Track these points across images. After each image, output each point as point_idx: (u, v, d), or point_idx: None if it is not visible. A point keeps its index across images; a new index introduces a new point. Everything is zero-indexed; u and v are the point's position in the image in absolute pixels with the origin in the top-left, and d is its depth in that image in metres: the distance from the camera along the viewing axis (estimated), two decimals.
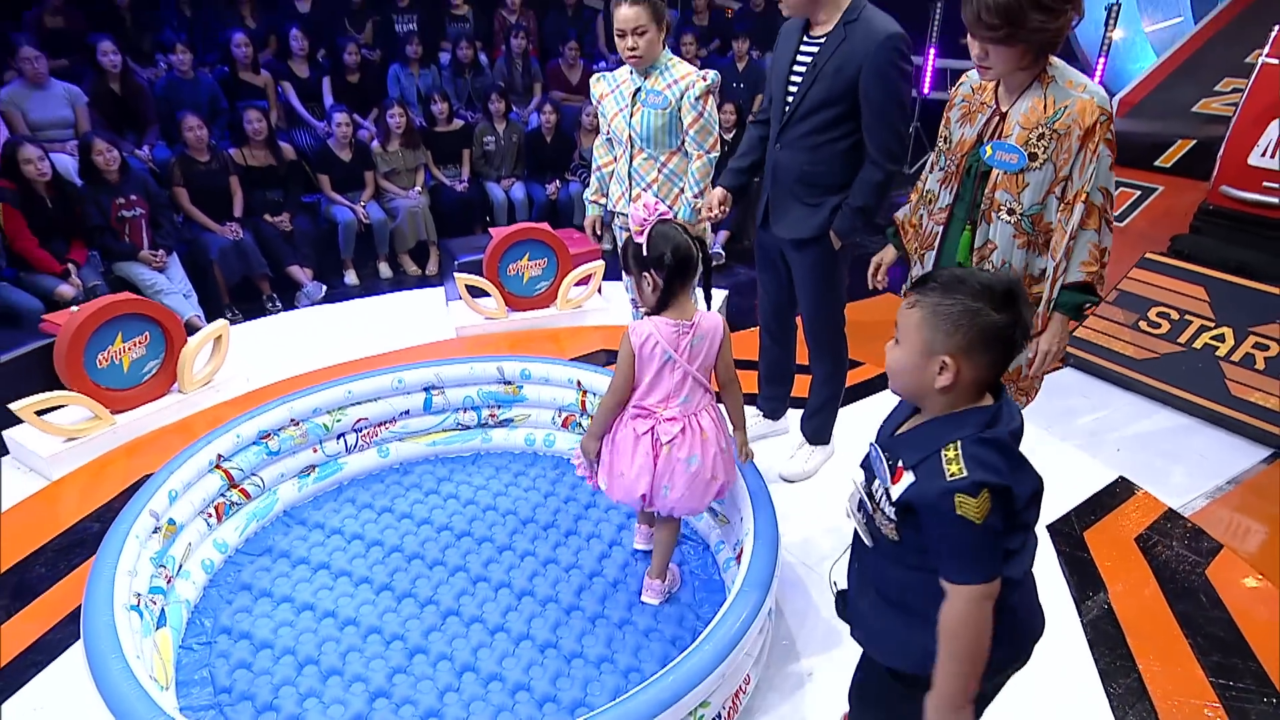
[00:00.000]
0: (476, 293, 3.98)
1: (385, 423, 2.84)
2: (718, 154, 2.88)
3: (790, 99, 2.41)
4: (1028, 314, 1.23)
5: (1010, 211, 1.99)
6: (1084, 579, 2.46)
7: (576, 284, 4.12)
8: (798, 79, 2.39)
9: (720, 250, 5.83)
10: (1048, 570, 2.50)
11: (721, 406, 2.14)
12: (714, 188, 2.69)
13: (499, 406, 2.97)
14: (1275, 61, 4.08)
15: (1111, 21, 7.04)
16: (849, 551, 1.49)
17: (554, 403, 2.94)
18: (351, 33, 5.98)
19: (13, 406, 2.83)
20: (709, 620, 1.88)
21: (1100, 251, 1.96)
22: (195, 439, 2.45)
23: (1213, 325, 3.88)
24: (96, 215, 4.32)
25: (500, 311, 3.99)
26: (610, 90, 2.90)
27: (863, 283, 2.55)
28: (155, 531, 2.15)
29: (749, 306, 4.58)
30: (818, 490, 2.90)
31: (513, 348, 3.78)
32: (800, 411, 3.04)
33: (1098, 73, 7.06)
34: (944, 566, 1.24)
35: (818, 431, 2.98)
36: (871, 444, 1.38)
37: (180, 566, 2.25)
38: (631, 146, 2.88)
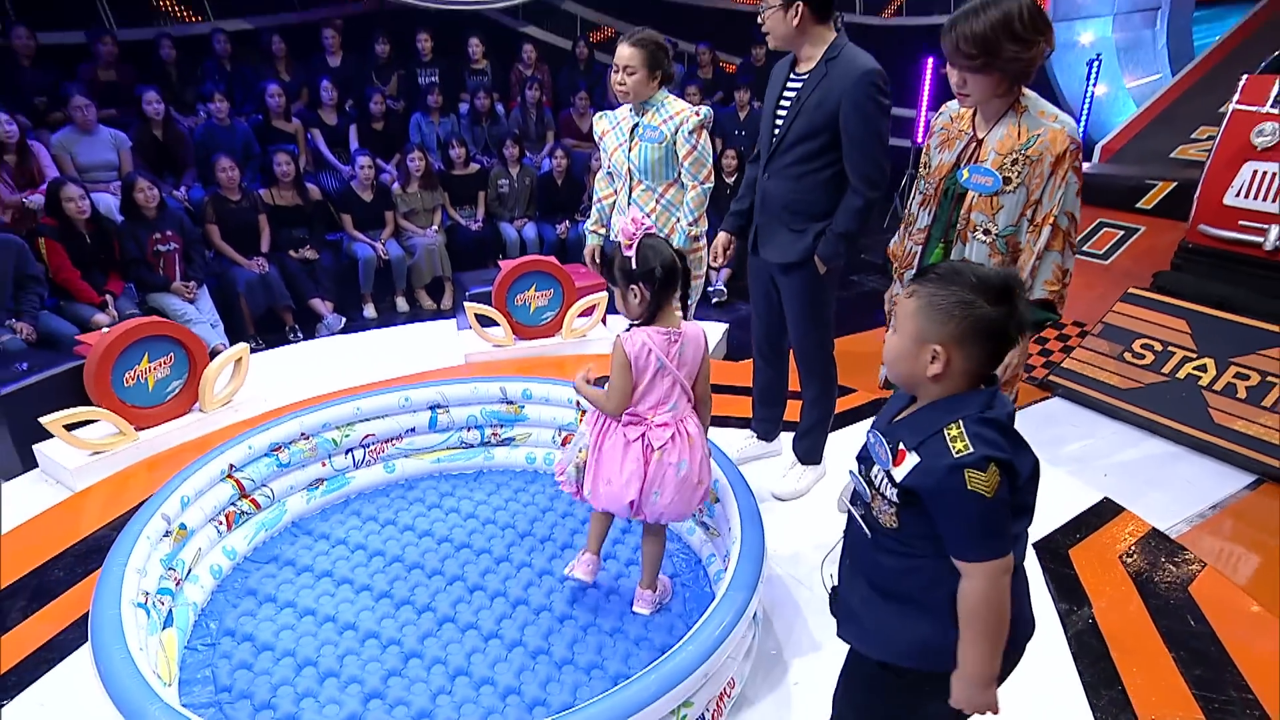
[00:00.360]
0: (486, 321, 4.02)
1: (392, 439, 2.85)
2: (711, 184, 2.93)
3: (777, 131, 2.47)
4: (1025, 310, 1.23)
5: (986, 232, 2.02)
6: (1069, 594, 2.41)
7: (581, 314, 4.16)
8: (783, 112, 2.45)
9: (722, 288, 5.88)
10: (1033, 586, 2.42)
11: None
12: (718, 232, 2.72)
13: (501, 425, 2.97)
14: (1244, 108, 4.14)
15: (1094, 76, 7.17)
16: (840, 546, 1.47)
17: (554, 422, 2.95)
18: (378, 84, 6.17)
19: (43, 420, 2.87)
20: None
21: (1063, 272, 1.98)
22: None
23: (1195, 356, 3.86)
24: (134, 249, 4.44)
25: (508, 339, 4.03)
26: (611, 127, 2.98)
27: (857, 317, 2.57)
28: (166, 534, 2.15)
29: (750, 339, 4.61)
30: (809, 508, 2.87)
31: (518, 373, 3.79)
32: (793, 434, 3.02)
33: (1082, 124, 7.17)
34: (958, 547, 1.22)
35: (809, 452, 2.96)
36: (870, 431, 1.35)
37: (190, 570, 2.25)
38: (630, 179, 2.94)
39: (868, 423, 3.44)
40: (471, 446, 2.97)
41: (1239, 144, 4.10)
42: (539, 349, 4.09)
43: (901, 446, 1.24)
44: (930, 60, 7.44)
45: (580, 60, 7.09)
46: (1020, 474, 1.20)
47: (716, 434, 2.65)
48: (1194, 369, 3.80)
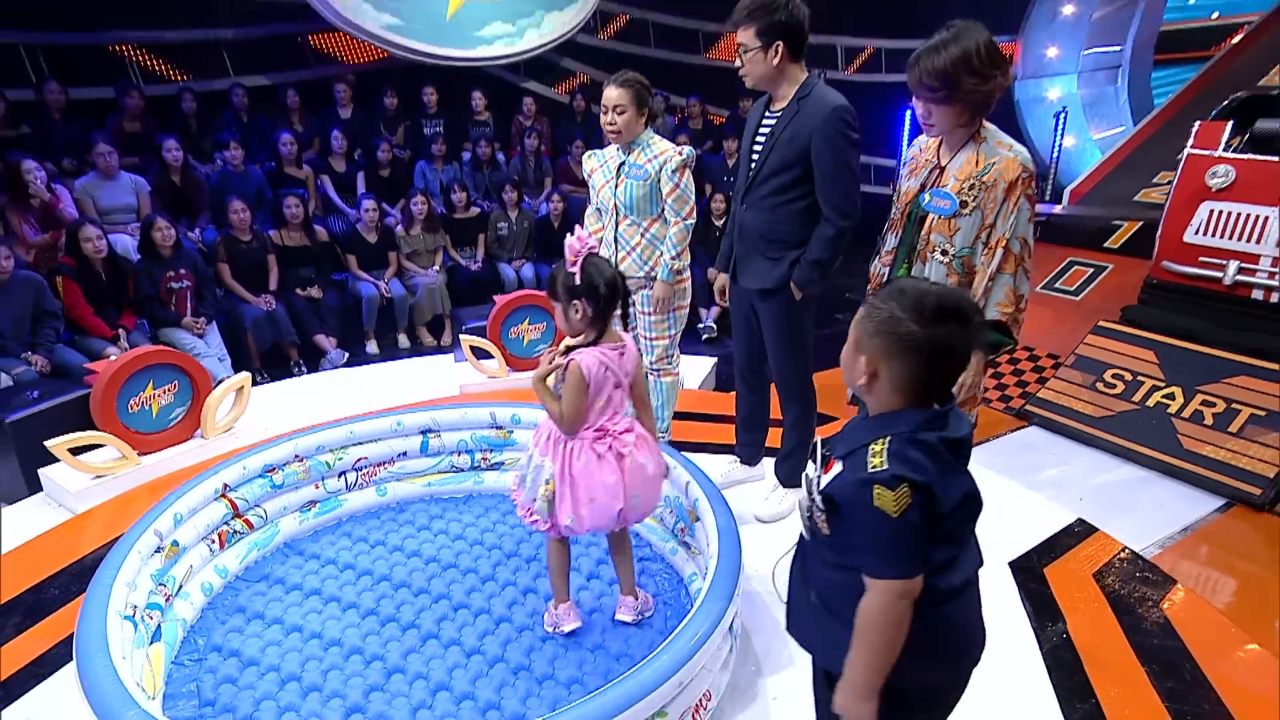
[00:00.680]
0: (481, 354, 4.03)
1: (384, 463, 2.83)
2: (694, 220, 2.96)
3: (753, 165, 2.52)
4: (968, 333, 1.17)
5: (944, 252, 2.04)
6: (1043, 611, 2.37)
7: (571, 347, 4.16)
8: (759, 147, 2.50)
9: (712, 325, 5.92)
10: (1008, 603, 2.40)
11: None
12: (712, 271, 2.74)
13: (491, 450, 2.95)
14: (1198, 152, 4.22)
15: (1061, 127, 7.34)
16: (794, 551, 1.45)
17: None
18: (385, 134, 6.30)
19: (48, 443, 2.85)
20: None
21: (1016, 296, 2.00)
22: None
23: (1163, 385, 3.86)
24: (148, 286, 4.48)
25: (501, 371, 4.03)
26: (599, 165, 3.03)
27: (839, 351, 2.57)
28: (158, 550, 2.13)
29: None
30: (791, 530, 2.83)
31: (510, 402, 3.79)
32: (774, 458, 3.00)
33: (1052, 172, 7.30)
34: (863, 560, 1.19)
35: (790, 475, 2.93)
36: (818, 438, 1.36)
37: (180, 587, 2.21)
38: (617, 214, 2.98)
39: None
40: (462, 471, 2.95)
41: (1195, 186, 4.17)
42: (531, 380, 4.08)
43: (832, 455, 1.24)
44: (908, 112, 7.62)
45: (578, 113, 7.25)
46: (943, 500, 1.15)
47: (704, 459, 2.64)
48: (1163, 397, 3.80)
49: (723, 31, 8.87)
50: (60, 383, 3.64)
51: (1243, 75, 6.04)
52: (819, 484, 1.25)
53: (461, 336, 4.03)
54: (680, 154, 2.88)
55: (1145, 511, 3.21)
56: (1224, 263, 4.06)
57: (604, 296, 1.91)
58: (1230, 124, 4.24)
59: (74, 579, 2.47)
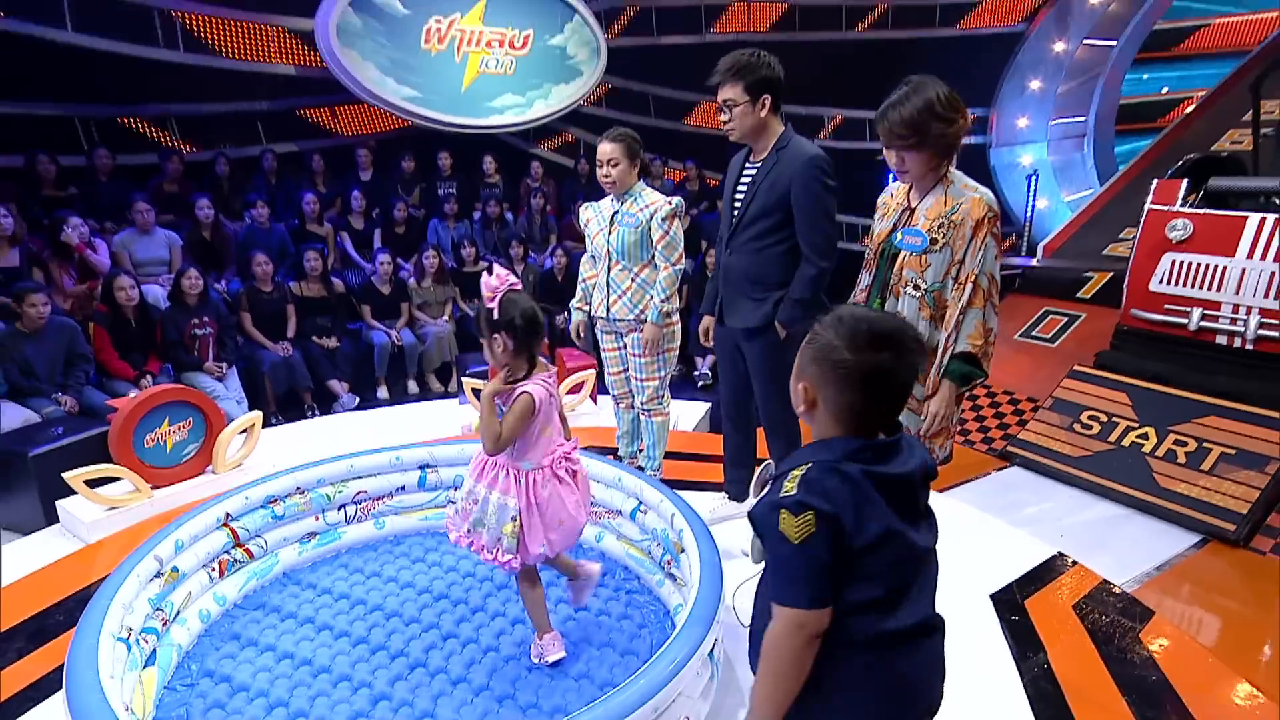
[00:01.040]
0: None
1: (382, 497, 2.79)
2: (683, 266, 3.00)
3: (736, 211, 2.56)
4: (905, 361, 1.10)
5: (916, 287, 2.06)
6: (1024, 642, 2.27)
7: (570, 391, 4.16)
8: (741, 195, 2.55)
9: (708, 372, 5.91)
10: (990, 635, 2.32)
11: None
12: (698, 315, 2.75)
13: None
14: (1157, 208, 4.28)
15: (1034, 189, 7.48)
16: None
17: None
18: (402, 195, 6.45)
19: (65, 475, 2.83)
20: None
21: (986, 330, 2.00)
22: None
23: (1137, 425, 3.81)
24: (174, 332, 4.53)
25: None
26: (594, 215, 3.09)
27: None
28: (158, 575, 2.09)
29: None
30: None
31: None
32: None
33: (1027, 230, 7.39)
34: (769, 583, 1.14)
35: None
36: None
37: (178, 613, 2.16)
38: (610, 260, 3.01)
39: None
40: None
41: (1157, 238, 4.22)
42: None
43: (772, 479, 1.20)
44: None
45: (581, 175, 7.43)
46: (853, 534, 1.06)
47: (694, 496, 2.59)
48: (1137, 437, 3.75)
49: (699, 101, 9.12)
50: (84, 420, 3.64)
51: (1195, 141, 6.19)
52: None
53: (464, 379, 4.02)
54: (670, 203, 2.93)
55: (1123, 547, 3.12)
56: (1188, 309, 4.06)
57: (520, 329, 1.89)
58: (1185, 182, 4.31)
59: (78, 605, 2.38)
